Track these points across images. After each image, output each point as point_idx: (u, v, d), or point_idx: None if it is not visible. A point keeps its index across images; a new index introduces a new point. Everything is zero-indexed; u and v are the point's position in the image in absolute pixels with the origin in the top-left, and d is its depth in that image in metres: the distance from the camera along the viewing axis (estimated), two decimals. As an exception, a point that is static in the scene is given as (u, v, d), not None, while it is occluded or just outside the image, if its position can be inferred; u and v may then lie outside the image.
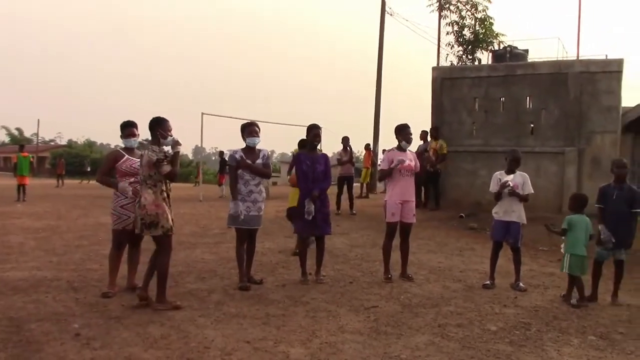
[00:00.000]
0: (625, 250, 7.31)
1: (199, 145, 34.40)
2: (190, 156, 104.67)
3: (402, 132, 7.98)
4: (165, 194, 6.08)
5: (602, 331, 5.96)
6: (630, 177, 8.50)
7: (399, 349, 5.06)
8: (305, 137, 9.55)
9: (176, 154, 6.12)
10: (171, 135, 6.14)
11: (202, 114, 19.29)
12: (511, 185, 7.65)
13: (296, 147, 10.37)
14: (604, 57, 15.63)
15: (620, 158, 8.04)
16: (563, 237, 7.29)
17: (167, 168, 5.99)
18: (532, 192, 7.86)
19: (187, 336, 5.19)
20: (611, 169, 7.51)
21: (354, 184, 15.72)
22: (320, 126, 7.80)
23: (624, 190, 7.28)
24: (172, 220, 6.12)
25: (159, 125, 6.12)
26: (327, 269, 8.16)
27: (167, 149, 6.11)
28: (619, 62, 14.50)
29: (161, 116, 6.19)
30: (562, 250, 7.39)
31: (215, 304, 6.30)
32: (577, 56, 17.98)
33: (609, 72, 14.42)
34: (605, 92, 14.39)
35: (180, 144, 6.16)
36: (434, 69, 17.11)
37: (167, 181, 6.12)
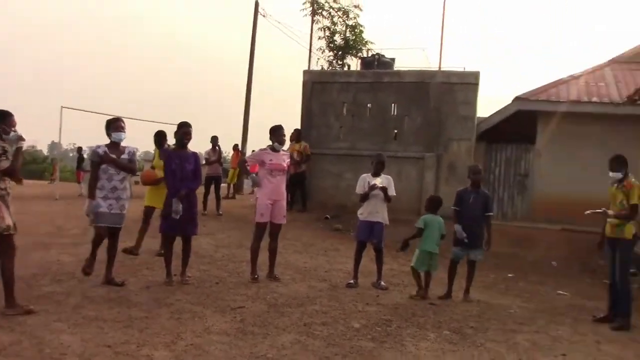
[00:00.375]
0: (486, 249, 7.89)
1: (56, 141, 32.38)
2: (46, 152, 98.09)
3: (276, 133, 8.01)
4: (3, 192, 5.65)
5: (455, 326, 6.34)
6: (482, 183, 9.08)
7: (265, 349, 5.07)
8: (160, 130, 9.30)
9: (18, 149, 5.72)
10: (15, 131, 5.73)
11: (62, 107, 18.20)
12: (379, 186, 7.95)
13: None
14: (462, 69, 16.60)
15: (476, 165, 8.64)
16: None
17: (4, 164, 5.58)
18: (395, 195, 8.21)
19: (41, 342, 4.86)
20: (468, 175, 8.05)
21: (221, 185, 15.56)
22: (191, 124, 7.63)
23: (479, 194, 7.85)
24: (12, 219, 5.68)
25: (1, 120, 5.69)
26: (193, 270, 8.00)
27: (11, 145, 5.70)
28: (476, 75, 15.51)
29: (4, 110, 5.76)
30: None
31: (72, 308, 5.96)
32: (439, 67, 18.99)
33: (467, 83, 15.38)
34: (462, 102, 15.31)
35: (23, 140, 5.76)
36: (305, 72, 17.32)
37: (6, 178, 5.69)
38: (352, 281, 8.05)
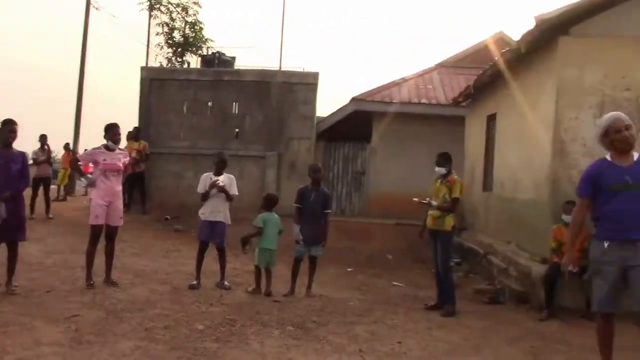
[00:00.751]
0: (322, 245, 8.09)
1: None
2: None
3: (110, 131, 7.65)
4: None
5: (298, 321, 6.46)
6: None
7: (104, 357, 4.83)
8: None
9: None
10: None
11: None
12: (221, 184, 7.90)
13: None
14: (302, 70, 16.98)
15: (316, 163, 8.90)
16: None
17: None
18: (237, 194, 8.20)
19: None
20: (309, 173, 8.26)
21: (51, 186, 14.57)
22: (17, 121, 7.03)
23: (319, 192, 8.07)
24: None
25: None
26: (20, 279, 7.37)
27: None
28: (315, 75, 15.95)
29: None
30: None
31: None
32: (280, 67, 19.27)
33: (306, 83, 15.77)
34: (302, 102, 15.68)
35: None
36: (142, 68, 16.76)
37: None
38: (194, 282, 7.92)
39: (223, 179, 8.01)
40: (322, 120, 16.40)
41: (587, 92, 7.92)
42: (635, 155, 4.70)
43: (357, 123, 16.05)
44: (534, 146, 8.85)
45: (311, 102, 15.79)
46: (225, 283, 8.05)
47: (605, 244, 4.59)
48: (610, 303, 4.63)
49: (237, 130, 15.88)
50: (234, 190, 8.09)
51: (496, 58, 10.44)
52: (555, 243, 7.59)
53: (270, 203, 8.15)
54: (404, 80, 17.49)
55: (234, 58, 17.88)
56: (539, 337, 6.49)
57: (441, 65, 18.87)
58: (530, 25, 8.11)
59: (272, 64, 21.02)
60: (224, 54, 17.77)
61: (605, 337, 4.70)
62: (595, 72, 7.91)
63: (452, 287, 7.61)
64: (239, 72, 16.62)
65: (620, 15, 7.86)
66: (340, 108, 16.36)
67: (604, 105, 7.78)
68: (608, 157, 4.76)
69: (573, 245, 4.95)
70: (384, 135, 15.93)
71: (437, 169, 7.68)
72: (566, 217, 7.50)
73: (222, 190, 7.92)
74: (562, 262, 5.10)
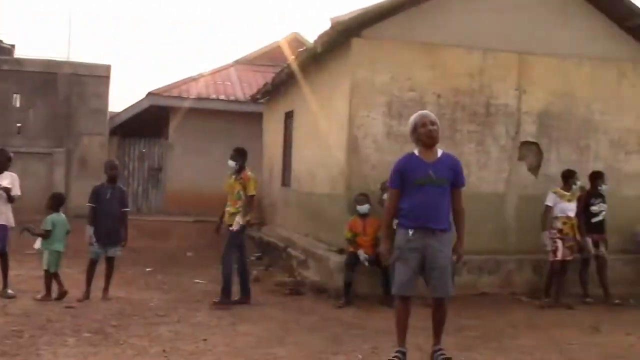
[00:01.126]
0: (122, 245, 7.81)
1: None
2: None
3: None
4: None
5: (96, 326, 6.09)
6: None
7: None
8: None
9: None
10: None
11: None
12: (4, 185, 7.22)
13: None
14: (93, 62, 16.09)
15: (112, 160, 8.52)
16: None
17: None
18: (20, 194, 7.57)
19: None
20: (104, 170, 7.88)
21: None
22: None
23: (115, 190, 7.73)
24: None
25: None
26: None
27: None
28: (107, 68, 15.24)
29: None
30: (37, 247, 7.47)
31: None
32: (68, 58, 18.07)
33: (98, 76, 15.01)
34: (93, 95, 14.92)
35: None
36: None
37: None
38: (-29, 293, 7.13)
39: (9, 181, 7.35)
40: (116, 115, 15.74)
41: (378, 91, 8.44)
42: (439, 152, 5.12)
43: (155, 119, 15.66)
44: (329, 142, 9.25)
45: (103, 95, 15.08)
46: (9, 291, 7.36)
47: (410, 232, 4.95)
48: (410, 287, 5.01)
49: (19, 125, 14.65)
50: (16, 191, 7.46)
51: (293, 57, 10.75)
52: (351, 233, 8.01)
53: (56, 203, 7.63)
54: (201, 75, 17.37)
55: (13, 46, 16.51)
56: (338, 323, 6.80)
57: (238, 62, 19.01)
58: (326, 26, 8.47)
59: (61, 56, 19.53)
60: (1, 41, 16.28)
61: (402, 318, 5.07)
62: (384, 73, 8.47)
63: (226, 277, 7.60)
64: (19, 61, 15.35)
65: (407, 20, 8.50)
66: (136, 103, 15.86)
67: (392, 105, 8.40)
68: (416, 152, 5.12)
69: (388, 234, 5.21)
70: (182, 131, 15.72)
71: (229, 162, 7.74)
72: (360, 208, 7.98)
73: (6, 190, 7.23)
74: (380, 251, 5.37)
